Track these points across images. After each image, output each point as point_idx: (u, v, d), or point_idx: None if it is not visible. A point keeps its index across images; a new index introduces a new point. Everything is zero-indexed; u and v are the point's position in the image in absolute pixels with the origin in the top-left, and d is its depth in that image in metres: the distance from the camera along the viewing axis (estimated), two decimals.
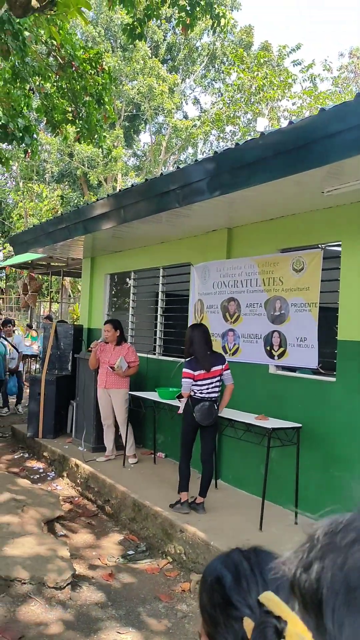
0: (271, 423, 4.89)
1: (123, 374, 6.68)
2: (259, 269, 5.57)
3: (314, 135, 3.64)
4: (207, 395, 5.09)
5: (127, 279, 8.44)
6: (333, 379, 4.85)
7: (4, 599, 3.89)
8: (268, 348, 5.46)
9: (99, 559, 4.74)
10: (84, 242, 8.04)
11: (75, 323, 11.44)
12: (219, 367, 5.14)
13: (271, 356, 5.42)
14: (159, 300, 7.50)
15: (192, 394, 5.11)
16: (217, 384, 5.15)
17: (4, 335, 10.13)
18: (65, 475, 6.85)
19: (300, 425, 4.88)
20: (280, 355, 5.33)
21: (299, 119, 3.81)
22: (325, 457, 4.84)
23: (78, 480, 6.52)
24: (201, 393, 5.10)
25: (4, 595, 3.93)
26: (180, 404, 5.27)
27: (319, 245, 5.02)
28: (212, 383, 5.11)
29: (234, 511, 5.16)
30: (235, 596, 0.81)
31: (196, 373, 5.09)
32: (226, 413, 5.47)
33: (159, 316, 7.48)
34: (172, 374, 6.89)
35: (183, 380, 5.11)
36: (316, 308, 4.97)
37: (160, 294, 7.51)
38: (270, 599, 0.78)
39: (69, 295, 25.30)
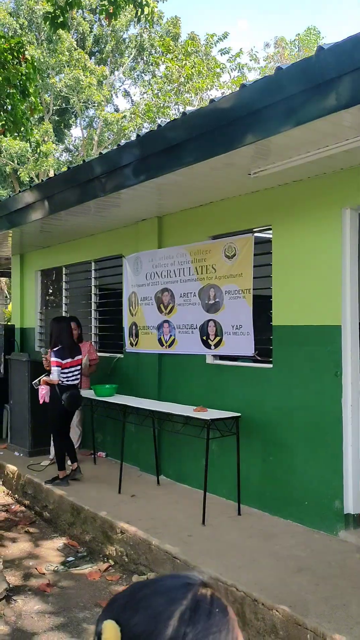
0: (210, 414, 4.76)
1: (87, 372, 6.50)
2: (191, 257, 5.43)
3: (236, 113, 3.51)
4: (72, 383, 5.64)
5: (59, 275, 8.14)
6: (270, 366, 4.77)
7: None
8: (204, 338, 5.33)
9: (37, 568, 4.49)
10: (12, 237, 7.69)
11: (7, 323, 11.01)
12: (80, 357, 5.79)
13: (208, 346, 5.30)
14: (93, 295, 7.26)
15: (60, 382, 5.54)
16: (79, 371, 5.75)
17: None
18: (1, 482, 6.53)
19: (239, 414, 4.78)
20: (217, 345, 5.21)
21: (219, 97, 3.67)
22: (265, 445, 4.77)
23: (14, 487, 6.21)
24: (67, 380, 5.60)
25: None
26: (42, 393, 5.62)
27: (250, 231, 4.93)
28: (76, 370, 5.68)
29: (176, 507, 5.02)
30: (96, 622, 0.70)
31: (64, 361, 5.56)
32: (164, 407, 5.33)
33: (93, 311, 7.24)
34: (109, 370, 6.68)
35: (53, 368, 5.48)
36: (250, 294, 4.87)
37: (93, 288, 7.27)
38: (109, 629, 0.66)
39: (5, 296, 24.54)
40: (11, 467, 6.34)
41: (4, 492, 6.39)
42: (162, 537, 4.28)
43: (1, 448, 7.30)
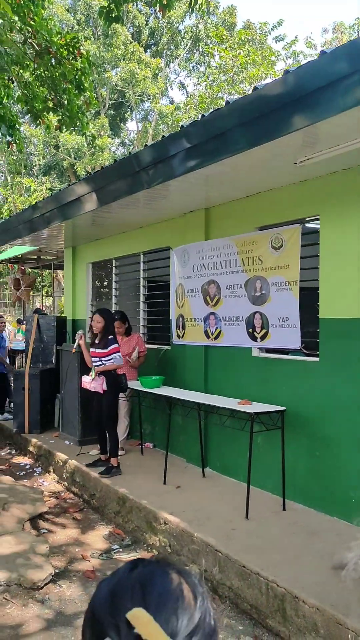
0: (254, 407, 4.71)
1: (135, 364, 6.61)
2: (238, 249, 5.37)
3: (281, 99, 3.42)
4: None
5: (109, 267, 8.23)
6: (317, 359, 4.66)
7: None
8: (250, 330, 5.27)
9: (82, 555, 4.57)
10: (64, 230, 7.83)
11: (61, 315, 11.23)
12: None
13: (253, 338, 5.23)
14: (141, 287, 7.30)
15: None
16: None
17: None
18: (52, 470, 6.68)
19: (284, 408, 4.70)
20: (263, 337, 5.14)
21: (263, 84, 3.59)
22: (312, 440, 4.67)
23: (64, 475, 6.35)
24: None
25: None
26: (98, 383, 5.76)
27: (298, 221, 4.82)
28: None
29: (220, 499, 5.00)
30: (103, 613, 0.65)
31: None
32: (209, 399, 5.31)
33: (141, 303, 7.28)
34: (156, 361, 6.71)
35: (117, 354, 5.71)
36: (297, 286, 4.77)
37: (142, 280, 7.31)
38: (139, 617, 0.62)
39: (62, 289, 25.10)
40: (61, 456, 6.48)
41: (54, 479, 6.53)
42: (205, 529, 4.27)
43: (53, 437, 7.47)
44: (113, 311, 7.02)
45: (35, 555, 4.25)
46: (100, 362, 5.78)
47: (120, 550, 4.67)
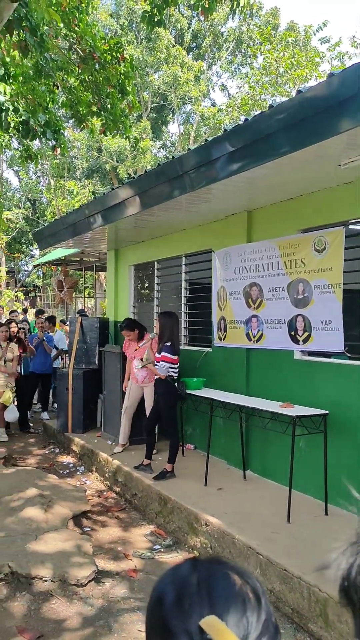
0: (296, 411, 4.68)
1: (152, 366, 6.61)
2: (280, 252, 5.35)
3: (325, 102, 3.41)
4: (176, 376, 5.81)
5: (151, 269, 8.31)
6: None
7: (25, 597, 3.83)
8: (292, 333, 5.24)
9: (124, 554, 4.64)
10: (107, 233, 7.95)
11: (104, 316, 11.39)
12: None
13: (296, 341, 5.21)
14: (183, 289, 7.34)
15: (172, 375, 5.74)
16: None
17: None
18: (94, 469, 6.79)
19: (326, 412, 4.66)
20: (305, 340, 5.10)
21: (307, 87, 3.58)
22: (355, 445, 4.61)
23: (106, 474, 6.44)
24: (176, 374, 5.79)
25: (24, 594, 3.88)
26: (144, 375, 6.22)
27: (341, 223, 4.77)
28: (178, 364, 5.86)
29: (261, 502, 4.99)
30: (173, 620, 0.66)
31: (175, 357, 5.73)
32: (251, 402, 5.31)
33: (183, 305, 7.33)
34: (198, 363, 6.74)
35: (163, 363, 5.67)
36: (340, 289, 4.72)
37: (183, 282, 7.35)
38: (213, 626, 0.62)
39: (104, 290, 25.40)
40: (104, 455, 6.58)
41: (97, 478, 6.64)
42: (247, 532, 4.28)
43: (95, 436, 7.59)
44: (162, 312, 6.97)
45: (79, 552, 4.33)
46: (156, 364, 5.88)
47: (162, 550, 4.72)
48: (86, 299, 26.18)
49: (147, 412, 6.56)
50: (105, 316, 11.18)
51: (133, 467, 5.98)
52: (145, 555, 4.60)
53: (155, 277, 8.10)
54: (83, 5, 10.39)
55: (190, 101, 24.04)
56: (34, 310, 17.59)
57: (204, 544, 4.54)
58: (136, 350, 6.64)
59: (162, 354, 5.72)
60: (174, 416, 5.88)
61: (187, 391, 5.96)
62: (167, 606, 0.68)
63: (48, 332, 10.20)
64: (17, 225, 31.16)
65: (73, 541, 4.54)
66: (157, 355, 5.83)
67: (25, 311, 19.08)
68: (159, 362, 5.75)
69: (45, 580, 3.97)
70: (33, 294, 32.11)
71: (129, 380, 6.84)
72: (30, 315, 17.33)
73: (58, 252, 17.23)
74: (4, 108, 9.39)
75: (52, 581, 3.97)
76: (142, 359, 6.43)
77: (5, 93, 9.26)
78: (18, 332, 9.01)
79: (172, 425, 5.84)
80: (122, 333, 6.78)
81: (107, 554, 4.66)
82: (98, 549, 4.71)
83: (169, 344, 5.72)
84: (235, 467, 5.97)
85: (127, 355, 6.87)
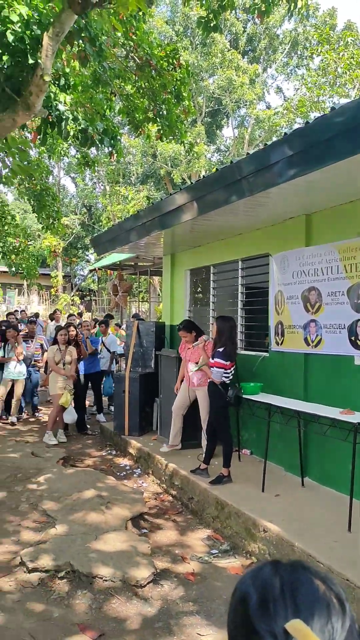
0: (357, 417, 4.59)
1: (208, 369, 6.63)
2: (340, 255, 5.26)
3: None
4: (228, 381, 5.81)
5: (207, 274, 8.33)
6: None
7: (86, 596, 3.91)
8: (352, 338, 5.14)
9: (182, 557, 4.66)
10: (163, 238, 8.02)
11: (159, 320, 11.49)
12: None
13: (357, 347, 5.11)
14: (239, 294, 7.33)
15: (224, 380, 5.76)
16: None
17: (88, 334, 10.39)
18: (151, 472, 6.86)
19: None
20: None
21: None
22: None
23: (163, 477, 6.49)
24: (228, 380, 5.81)
25: (85, 592, 3.96)
26: (197, 377, 6.23)
27: None
28: (234, 369, 5.88)
29: (320, 510, 4.91)
30: (258, 622, 0.68)
31: (228, 363, 5.73)
32: (309, 407, 5.24)
33: (239, 310, 7.31)
34: (254, 368, 6.70)
35: (216, 369, 5.71)
36: None
37: (240, 287, 7.33)
38: (299, 629, 0.64)
39: (158, 294, 25.64)
40: (160, 458, 6.63)
41: (153, 481, 6.70)
42: (306, 539, 4.23)
43: (151, 439, 7.66)
44: (222, 317, 6.94)
45: (138, 554, 4.39)
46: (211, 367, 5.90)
47: (219, 555, 4.71)
48: (140, 302, 26.47)
49: (202, 416, 6.62)
50: (160, 320, 11.28)
51: (190, 471, 6.00)
52: (203, 560, 4.61)
53: (211, 282, 8.12)
54: (140, 13, 10.55)
55: (245, 104, 23.99)
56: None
57: (262, 550, 4.51)
58: (189, 349, 6.72)
59: (215, 359, 5.74)
60: (225, 421, 5.87)
61: (244, 396, 5.93)
62: (252, 608, 0.70)
63: (94, 335, 10.39)
64: (74, 231, 31.87)
65: (132, 542, 4.61)
66: (210, 360, 5.84)
67: (80, 315, 19.46)
68: (212, 367, 5.76)
69: (106, 580, 4.04)
70: (88, 298, 32.72)
71: (181, 382, 6.90)
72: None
73: (113, 257, 17.51)
74: (64, 117, 9.63)
75: (112, 581, 4.04)
76: (196, 363, 6.48)
77: (65, 103, 9.51)
78: (77, 335, 9.21)
79: (224, 429, 5.84)
80: (179, 334, 6.85)
81: (164, 556, 4.69)
82: (156, 550, 4.75)
83: (221, 349, 5.73)
84: (292, 473, 5.90)
85: (182, 357, 6.92)
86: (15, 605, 3.77)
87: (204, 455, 6.06)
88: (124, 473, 7.05)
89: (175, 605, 3.86)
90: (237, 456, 6.67)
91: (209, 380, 5.94)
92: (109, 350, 10.47)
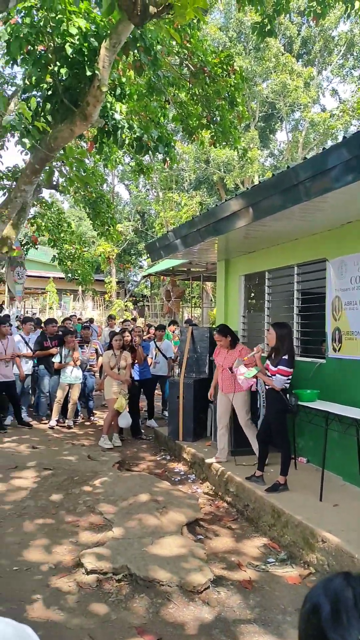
0: None
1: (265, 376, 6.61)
2: None
3: None
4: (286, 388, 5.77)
5: (262, 279, 8.28)
6: None
7: (143, 599, 3.94)
8: None
9: (238, 564, 4.63)
10: (218, 244, 8.04)
11: (212, 326, 11.49)
12: None
13: None
14: (295, 299, 7.25)
15: (285, 387, 5.71)
16: None
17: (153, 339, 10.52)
18: (205, 478, 6.85)
19: None
20: None
21: None
22: None
23: (217, 484, 6.48)
24: (287, 387, 5.75)
25: (142, 595, 3.99)
26: (251, 382, 6.11)
27: None
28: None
29: None
30: (331, 632, 0.68)
31: (291, 370, 5.67)
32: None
33: (295, 316, 7.23)
34: (310, 374, 6.61)
35: (279, 376, 5.63)
36: None
37: (295, 292, 7.26)
38: None
39: (210, 300, 25.65)
40: (215, 464, 6.62)
41: (208, 487, 6.69)
42: None
43: (205, 445, 7.66)
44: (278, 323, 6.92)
45: (194, 559, 4.39)
46: (268, 375, 5.84)
47: (276, 563, 4.66)
48: (193, 308, 26.55)
49: (241, 421, 6.65)
50: (214, 326, 11.28)
51: (245, 478, 5.96)
52: (260, 568, 4.56)
53: (266, 287, 8.06)
54: (195, 21, 10.63)
55: (299, 108, 23.76)
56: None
57: (321, 560, 4.43)
58: (224, 354, 6.75)
59: (279, 367, 5.65)
60: (285, 428, 5.79)
61: (300, 403, 5.86)
62: (325, 618, 0.70)
63: (148, 340, 10.47)
64: (127, 238, 32.31)
65: (188, 547, 4.61)
66: (272, 367, 5.76)
67: (134, 320, 19.71)
68: (274, 375, 5.69)
69: (163, 584, 4.06)
70: (141, 303, 33.09)
71: (215, 388, 6.93)
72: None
73: (166, 263, 17.64)
74: (119, 126, 9.81)
75: (169, 585, 4.06)
76: (249, 369, 6.43)
77: (121, 112, 9.68)
78: (131, 340, 9.33)
79: (283, 437, 5.76)
80: (215, 337, 6.86)
81: (220, 562, 4.67)
82: (211, 557, 4.74)
83: (286, 357, 5.64)
84: (351, 483, 5.77)
85: (216, 362, 6.94)
86: (75, 605, 3.84)
87: (257, 462, 6.02)
88: (179, 478, 7.08)
89: (232, 613, 3.84)
90: (293, 464, 6.59)
91: (267, 387, 5.88)
92: (164, 356, 10.53)
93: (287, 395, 5.75)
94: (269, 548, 4.98)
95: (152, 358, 10.33)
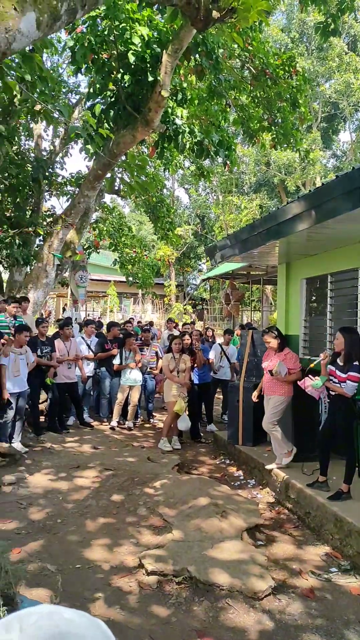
0: None
1: (282, 379, 6.58)
2: None
3: None
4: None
5: (324, 283, 8.13)
6: None
7: (203, 603, 3.94)
8: None
9: (300, 572, 4.56)
10: (279, 247, 7.95)
11: None
12: None
13: None
14: (359, 304, 7.07)
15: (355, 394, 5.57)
16: None
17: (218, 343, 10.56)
18: (265, 483, 6.78)
19: None
20: None
21: None
22: None
23: (278, 490, 6.40)
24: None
25: (202, 599, 3.99)
26: (317, 392, 5.87)
27: None
28: None
29: None
30: None
31: None
32: None
33: (359, 320, 7.05)
34: None
35: (351, 383, 5.46)
36: None
37: (359, 296, 7.08)
38: None
39: (270, 303, 25.41)
40: (275, 470, 6.55)
41: (268, 493, 6.62)
42: None
43: (266, 450, 7.58)
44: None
45: (254, 565, 4.35)
46: (335, 381, 5.72)
47: (339, 573, 4.55)
48: (252, 312, 26.38)
49: (266, 419, 6.70)
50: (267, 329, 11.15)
51: (306, 485, 5.86)
52: (322, 577, 4.48)
53: (328, 291, 7.91)
54: (257, 23, 10.58)
55: None
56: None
57: None
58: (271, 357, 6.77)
59: (350, 373, 5.46)
60: (352, 435, 5.65)
61: None
62: None
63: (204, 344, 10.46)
64: (187, 241, 32.46)
65: (248, 553, 4.58)
66: (340, 374, 5.60)
67: (193, 323, 19.78)
68: (343, 382, 5.54)
69: (223, 589, 4.05)
70: (200, 307, 33.16)
71: (260, 391, 6.99)
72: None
73: (226, 266, 17.62)
74: (180, 131, 9.89)
75: (229, 590, 4.04)
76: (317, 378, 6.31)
77: (182, 117, 9.75)
78: (191, 344, 9.36)
79: (350, 444, 5.61)
80: (264, 338, 6.86)
81: (281, 570, 4.61)
82: (272, 563, 4.69)
83: (357, 363, 5.47)
84: None
85: (262, 364, 6.95)
86: (136, 605, 3.88)
87: (319, 468, 5.91)
88: (238, 483, 7.04)
89: (293, 621, 3.79)
90: (357, 472, 6.42)
91: (334, 394, 5.73)
92: (228, 360, 10.51)
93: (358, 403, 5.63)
94: (331, 557, 4.87)
95: (213, 359, 10.31)
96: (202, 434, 9.53)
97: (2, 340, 7.71)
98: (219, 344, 10.71)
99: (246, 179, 28.47)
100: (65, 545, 4.85)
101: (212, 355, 10.27)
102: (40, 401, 9.32)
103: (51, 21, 3.10)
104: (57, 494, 6.13)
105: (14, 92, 7.13)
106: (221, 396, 11.26)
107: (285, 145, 12.39)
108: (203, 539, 4.84)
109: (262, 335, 7.00)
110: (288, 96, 11.46)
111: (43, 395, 9.33)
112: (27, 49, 6.15)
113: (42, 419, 9.29)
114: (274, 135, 11.92)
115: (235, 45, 10.67)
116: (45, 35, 3.43)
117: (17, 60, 6.73)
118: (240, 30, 9.73)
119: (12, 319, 8.54)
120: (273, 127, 11.87)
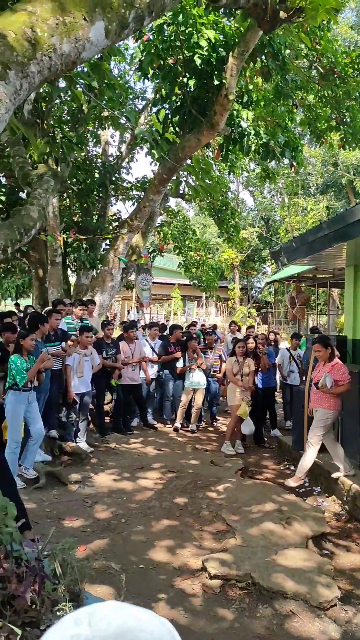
0: None
1: (328, 391, 6.42)
2: None
3: None
4: None
5: None
6: None
7: (267, 610, 3.89)
8: None
9: None
10: (346, 249, 7.76)
11: (339, 334, 11.10)
12: None
13: None
14: None
15: None
16: None
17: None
18: (332, 491, 6.62)
19: None
20: None
21: None
22: None
23: (345, 498, 6.23)
24: None
25: (266, 606, 3.93)
26: None
27: None
28: None
29: None
30: None
31: None
32: None
33: None
34: None
35: None
36: None
37: None
38: None
39: (337, 307, 24.86)
40: (343, 478, 6.38)
41: (334, 501, 6.46)
42: None
43: (332, 457, 7.39)
44: None
45: (320, 574, 4.26)
46: None
47: None
48: (318, 315, 25.88)
49: (312, 432, 6.59)
50: (341, 334, 10.90)
51: None
52: None
53: None
54: (325, 22, 10.39)
55: None
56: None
57: None
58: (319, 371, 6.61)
59: None
60: None
61: None
62: None
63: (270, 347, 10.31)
64: (252, 244, 32.26)
65: (313, 561, 4.48)
66: None
67: (252, 327, 19.58)
68: None
69: (287, 596, 3.98)
70: (265, 310, 32.84)
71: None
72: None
73: (291, 269, 17.35)
74: (246, 133, 9.85)
75: (293, 598, 3.97)
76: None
77: (247, 119, 9.71)
78: (256, 347, 9.28)
79: None
80: (314, 347, 6.71)
81: (348, 580, 4.49)
82: (339, 573, 4.57)
83: None
84: None
85: (312, 376, 6.82)
86: (199, 608, 3.88)
87: None
88: (303, 490, 6.90)
89: None
90: None
91: None
92: (297, 365, 10.35)
93: None
94: None
95: (280, 364, 10.20)
96: (265, 439, 9.42)
97: (69, 342, 7.91)
98: (287, 348, 10.55)
99: (313, 180, 27.99)
100: (129, 544, 4.90)
101: (279, 359, 10.15)
102: (105, 402, 9.49)
103: (119, 29, 3.15)
104: (122, 494, 6.21)
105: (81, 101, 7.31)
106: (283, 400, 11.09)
107: (354, 145, 12.09)
108: (267, 545, 4.77)
109: (312, 344, 6.85)
110: (357, 94, 11.19)
111: (108, 397, 9.49)
112: (96, 57, 6.30)
113: (107, 419, 9.45)
114: (342, 135, 11.65)
115: (303, 45, 10.51)
116: (114, 44, 3.50)
117: (85, 68, 6.90)
118: (308, 29, 9.60)
119: (79, 321, 8.74)
120: (341, 127, 11.61)
